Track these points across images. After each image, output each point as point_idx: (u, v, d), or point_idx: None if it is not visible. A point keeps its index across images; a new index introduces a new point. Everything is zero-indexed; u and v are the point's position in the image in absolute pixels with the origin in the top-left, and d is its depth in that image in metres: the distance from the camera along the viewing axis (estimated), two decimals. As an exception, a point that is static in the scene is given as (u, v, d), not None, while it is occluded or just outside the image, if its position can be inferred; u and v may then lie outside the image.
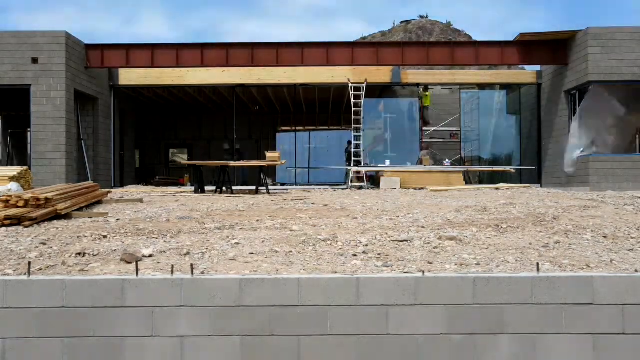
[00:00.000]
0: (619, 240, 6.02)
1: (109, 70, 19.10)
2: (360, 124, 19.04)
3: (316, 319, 4.29)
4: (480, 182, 20.07)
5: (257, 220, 7.61)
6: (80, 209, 8.82)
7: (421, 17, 52.24)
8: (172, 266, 4.53)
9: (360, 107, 19.04)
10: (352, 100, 19.13)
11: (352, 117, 19.11)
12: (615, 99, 16.32)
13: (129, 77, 19.54)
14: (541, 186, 18.19)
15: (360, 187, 17.12)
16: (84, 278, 4.45)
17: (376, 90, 21.06)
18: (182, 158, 28.76)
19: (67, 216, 8.07)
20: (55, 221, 7.66)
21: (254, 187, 15.68)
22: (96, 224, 7.39)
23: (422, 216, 7.94)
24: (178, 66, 18.11)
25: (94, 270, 4.89)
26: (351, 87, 19.12)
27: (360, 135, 18.91)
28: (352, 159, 18.53)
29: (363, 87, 18.96)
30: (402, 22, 51.16)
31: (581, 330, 4.31)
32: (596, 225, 6.92)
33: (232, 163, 15.83)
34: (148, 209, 9.30)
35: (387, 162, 19.29)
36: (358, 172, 18.04)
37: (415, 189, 15.69)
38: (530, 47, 17.59)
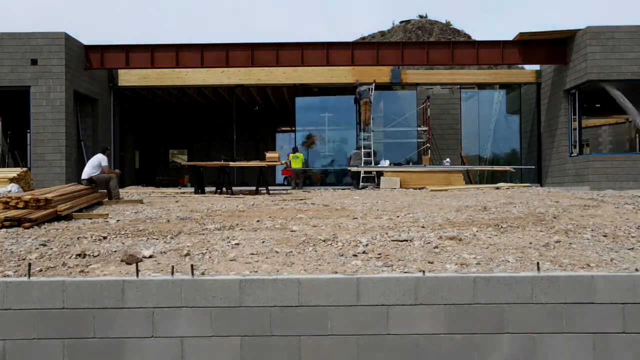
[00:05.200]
0: (619, 239, 6.02)
1: (108, 71, 19.11)
2: (370, 124, 19.06)
3: (316, 319, 4.29)
4: (481, 182, 20.08)
5: (257, 221, 7.60)
6: (80, 210, 8.82)
7: (420, 16, 52.16)
8: (173, 267, 4.53)
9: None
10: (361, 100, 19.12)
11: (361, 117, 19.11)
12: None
13: (129, 78, 19.56)
14: (541, 185, 18.21)
15: (364, 187, 17.12)
16: (84, 279, 4.44)
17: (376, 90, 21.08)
18: (182, 159, 28.79)
19: (67, 217, 8.06)
20: (55, 222, 7.66)
21: (254, 188, 15.69)
22: (96, 225, 7.39)
23: (422, 216, 7.94)
24: (178, 67, 18.11)
25: (94, 272, 4.89)
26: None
27: (370, 135, 18.90)
28: (363, 158, 18.55)
29: (371, 88, 18.97)
30: (401, 22, 51.06)
31: (581, 330, 4.30)
32: (596, 224, 6.92)
33: (232, 163, 15.83)
34: (148, 209, 9.29)
35: (387, 162, 19.29)
36: (369, 172, 18.05)
37: (415, 188, 15.69)
38: (530, 47, 17.61)
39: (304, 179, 20.09)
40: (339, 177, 21.64)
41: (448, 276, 4.39)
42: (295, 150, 19.30)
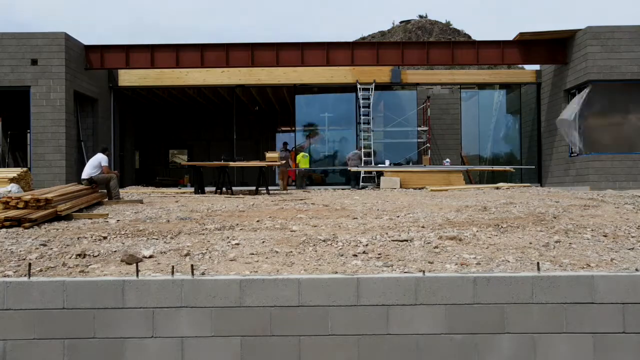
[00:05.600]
0: (619, 239, 6.02)
1: (108, 71, 19.10)
2: (370, 123, 19.06)
3: (316, 319, 4.29)
4: (481, 182, 20.08)
5: (257, 221, 7.61)
6: (80, 210, 8.82)
7: (420, 16, 52.18)
8: (173, 267, 4.53)
9: (369, 107, 19.07)
10: (360, 101, 19.13)
11: (361, 117, 19.11)
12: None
13: (129, 78, 19.55)
14: (541, 185, 18.21)
15: (364, 187, 17.13)
16: (84, 279, 4.44)
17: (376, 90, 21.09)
18: (182, 159, 28.76)
19: (67, 217, 8.06)
20: (55, 222, 7.66)
21: (254, 188, 15.69)
22: (96, 225, 7.39)
23: (422, 216, 7.94)
24: (178, 67, 18.10)
25: (94, 272, 4.89)
26: (359, 88, 19.14)
27: (369, 135, 18.91)
28: (363, 158, 18.56)
29: (372, 88, 18.98)
30: (401, 22, 51.10)
31: (581, 330, 4.30)
32: (596, 224, 6.92)
33: (231, 163, 15.81)
34: (148, 209, 9.30)
35: (387, 162, 19.30)
36: (369, 172, 18.06)
37: (415, 188, 15.69)
38: (530, 47, 17.61)
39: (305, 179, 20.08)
40: (339, 177, 21.63)
41: (448, 276, 4.39)
42: (297, 151, 19.28)
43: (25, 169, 12.25)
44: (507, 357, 4.29)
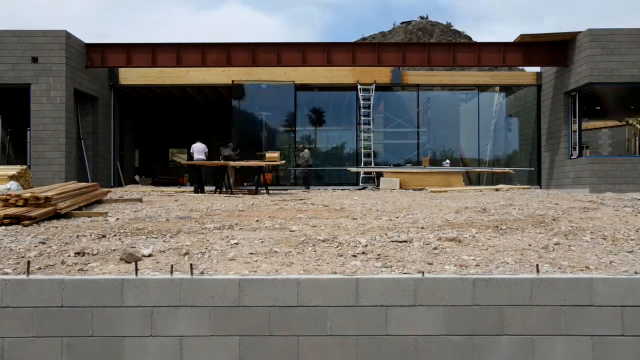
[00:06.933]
0: (619, 242, 6.02)
1: (109, 69, 19.10)
2: (370, 124, 19.10)
3: (315, 319, 4.28)
4: (480, 183, 20.10)
5: (257, 221, 7.60)
6: (79, 208, 8.82)
7: (421, 17, 52.27)
8: (172, 266, 4.52)
9: (369, 108, 19.11)
10: (361, 102, 19.17)
11: (361, 117, 19.15)
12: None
13: (129, 76, 19.55)
14: (541, 187, 18.22)
15: (364, 187, 17.15)
16: (83, 277, 4.44)
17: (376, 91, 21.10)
18: (182, 158, 28.75)
19: (67, 215, 8.06)
20: (54, 220, 7.65)
21: (253, 187, 15.68)
22: (95, 224, 7.39)
23: (422, 217, 7.94)
24: (179, 66, 18.09)
25: (93, 270, 4.88)
26: (360, 89, 19.16)
27: (369, 136, 18.97)
28: (363, 159, 18.60)
29: (372, 89, 19.01)
30: (402, 23, 51.20)
31: (580, 332, 4.30)
32: (595, 227, 6.92)
33: (231, 163, 15.80)
34: (147, 208, 9.29)
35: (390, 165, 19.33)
36: (369, 173, 18.10)
37: (415, 189, 15.70)
38: (531, 49, 17.61)
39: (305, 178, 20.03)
40: (339, 177, 21.63)
41: (447, 277, 4.39)
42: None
43: (25, 166, 12.25)
44: (505, 358, 4.29)
